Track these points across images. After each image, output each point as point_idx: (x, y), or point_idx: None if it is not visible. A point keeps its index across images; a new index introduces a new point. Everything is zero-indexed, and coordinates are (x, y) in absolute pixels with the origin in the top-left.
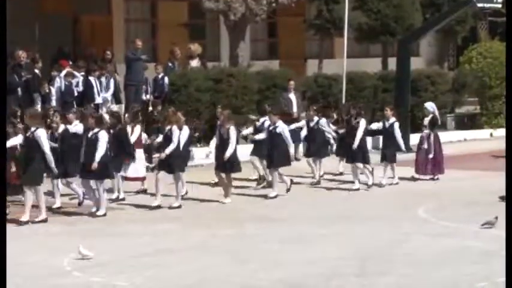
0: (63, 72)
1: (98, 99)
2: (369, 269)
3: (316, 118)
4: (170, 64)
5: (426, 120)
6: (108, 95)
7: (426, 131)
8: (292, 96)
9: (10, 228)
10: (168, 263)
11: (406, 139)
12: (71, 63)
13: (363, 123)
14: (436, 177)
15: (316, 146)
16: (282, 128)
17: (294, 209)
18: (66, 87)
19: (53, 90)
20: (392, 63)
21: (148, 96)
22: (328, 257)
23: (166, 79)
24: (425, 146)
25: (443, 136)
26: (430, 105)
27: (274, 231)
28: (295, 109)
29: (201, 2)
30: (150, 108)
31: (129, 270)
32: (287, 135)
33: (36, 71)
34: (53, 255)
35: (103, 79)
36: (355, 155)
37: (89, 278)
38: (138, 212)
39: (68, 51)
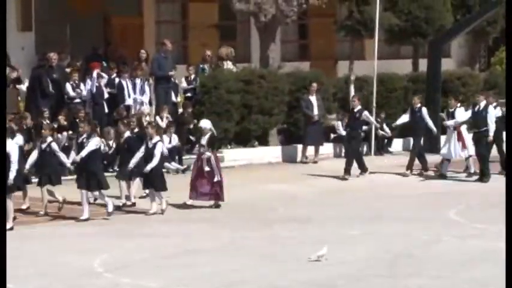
0: (94, 74)
1: (129, 101)
2: (398, 270)
3: None
4: (201, 66)
5: (204, 140)
6: (145, 98)
7: (208, 153)
8: (313, 98)
9: (40, 229)
10: (197, 264)
11: (436, 141)
12: (105, 64)
13: (93, 141)
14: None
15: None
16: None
17: (323, 210)
18: (97, 89)
19: (83, 86)
20: (423, 64)
21: (178, 98)
22: (357, 258)
23: (198, 80)
24: (207, 168)
25: None
26: (206, 123)
27: (304, 232)
28: (316, 112)
29: (231, 4)
30: (181, 110)
31: (158, 271)
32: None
33: (67, 70)
34: (83, 256)
35: (137, 81)
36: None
37: (118, 279)
38: (166, 213)
39: (101, 52)
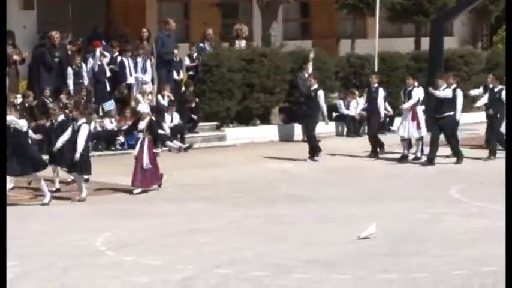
0: (97, 53)
1: (130, 79)
2: (401, 249)
3: None
4: (202, 44)
5: (143, 124)
6: (147, 77)
7: (142, 136)
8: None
9: (43, 207)
10: (200, 243)
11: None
12: (104, 43)
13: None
14: (156, 186)
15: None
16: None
17: (326, 189)
18: (99, 67)
19: (85, 67)
20: (425, 43)
21: (180, 76)
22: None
23: (200, 59)
24: (136, 153)
25: (477, 116)
26: (144, 107)
27: (306, 211)
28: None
29: None
30: (183, 89)
31: (161, 249)
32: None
33: (68, 47)
34: (86, 234)
35: (139, 59)
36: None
37: (122, 257)
38: (169, 191)
39: (102, 31)
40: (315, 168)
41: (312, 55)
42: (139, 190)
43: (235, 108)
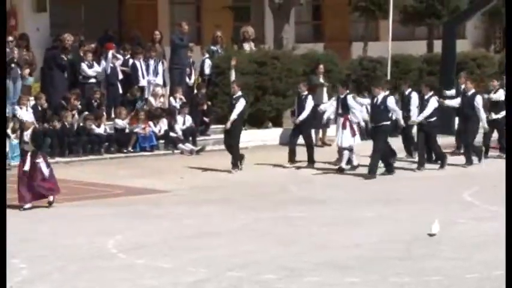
0: (109, 55)
1: (143, 82)
2: (413, 252)
3: None
4: (213, 47)
5: (27, 135)
6: (159, 79)
7: (27, 148)
8: (322, 80)
9: (55, 210)
10: (212, 246)
11: (451, 123)
12: (114, 46)
13: None
14: (51, 200)
15: None
16: None
17: (338, 192)
18: (112, 69)
19: (97, 66)
20: (438, 45)
21: (192, 80)
22: (372, 240)
23: (209, 62)
24: (26, 167)
25: None
26: (27, 116)
27: (318, 213)
28: (325, 94)
29: None
30: (195, 91)
31: (173, 252)
32: None
33: (81, 53)
34: (97, 237)
35: (151, 62)
36: None
37: (133, 260)
38: (180, 194)
39: (113, 33)
40: (327, 171)
41: (233, 62)
42: (29, 205)
43: (247, 111)
